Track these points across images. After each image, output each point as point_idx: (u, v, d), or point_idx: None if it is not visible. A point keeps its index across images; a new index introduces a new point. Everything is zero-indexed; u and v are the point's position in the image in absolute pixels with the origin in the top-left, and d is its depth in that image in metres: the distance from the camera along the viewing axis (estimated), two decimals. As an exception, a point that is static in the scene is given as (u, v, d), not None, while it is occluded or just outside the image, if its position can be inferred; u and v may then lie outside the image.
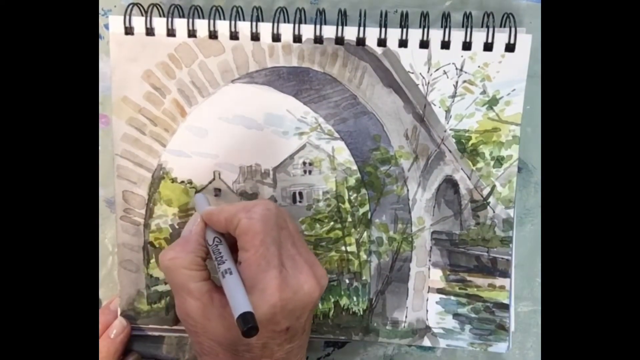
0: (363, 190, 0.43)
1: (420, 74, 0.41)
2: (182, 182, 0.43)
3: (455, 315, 0.44)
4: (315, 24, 0.41)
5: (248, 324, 0.30)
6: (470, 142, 0.42)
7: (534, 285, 0.45)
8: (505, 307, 0.43)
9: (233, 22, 0.41)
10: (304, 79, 0.42)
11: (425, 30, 0.41)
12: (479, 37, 0.41)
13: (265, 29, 0.41)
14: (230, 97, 0.42)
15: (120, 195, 0.43)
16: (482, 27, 0.41)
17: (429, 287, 0.44)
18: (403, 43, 0.41)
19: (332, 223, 0.43)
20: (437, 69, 0.41)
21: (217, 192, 0.43)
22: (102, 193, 0.44)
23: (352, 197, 0.43)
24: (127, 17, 0.41)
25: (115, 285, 0.44)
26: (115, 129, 0.42)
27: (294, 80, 0.42)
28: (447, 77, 0.41)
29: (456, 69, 0.41)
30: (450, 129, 0.42)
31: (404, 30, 0.41)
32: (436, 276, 0.44)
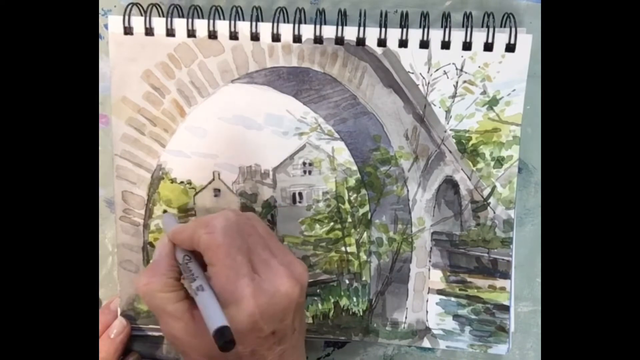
0: (363, 191, 0.43)
1: (421, 74, 0.41)
2: (182, 182, 0.43)
3: (455, 317, 0.44)
4: (315, 24, 0.41)
5: (224, 338, 0.30)
6: (471, 143, 0.42)
7: (534, 285, 0.45)
8: (505, 308, 0.43)
9: (233, 22, 0.41)
10: (303, 79, 0.42)
11: (426, 30, 0.41)
12: (479, 37, 0.41)
13: (265, 29, 0.41)
14: (230, 97, 0.42)
15: (119, 196, 0.43)
16: (482, 27, 0.41)
17: (429, 288, 0.44)
18: (403, 43, 0.41)
19: (332, 223, 0.43)
20: (437, 69, 0.41)
21: (217, 192, 0.43)
22: (102, 193, 0.44)
23: (352, 198, 0.43)
24: (127, 17, 0.41)
25: (115, 285, 0.44)
26: (114, 129, 0.42)
27: (293, 81, 0.42)
28: (447, 78, 0.41)
29: (456, 69, 0.41)
30: (451, 130, 0.42)
31: (404, 30, 0.41)
32: (436, 277, 0.44)
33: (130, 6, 0.41)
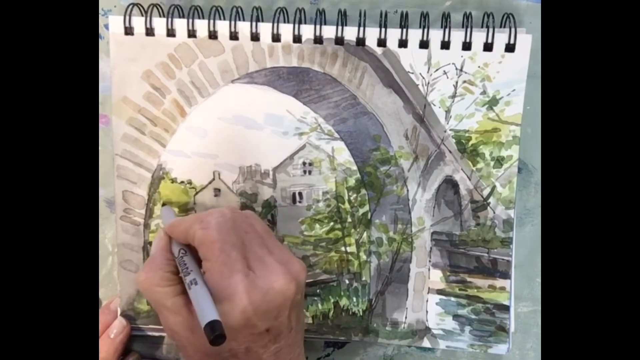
0: (363, 191, 0.43)
1: (420, 74, 0.41)
2: (182, 182, 0.43)
3: (455, 317, 0.44)
4: (315, 24, 0.41)
5: (215, 332, 0.30)
6: (470, 143, 0.42)
7: (534, 285, 0.45)
8: (505, 308, 0.43)
9: (233, 22, 0.41)
10: (303, 79, 0.42)
11: (425, 30, 0.41)
12: (479, 37, 0.41)
13: (265, 29, 0.41)
14: (230, 97, 0.42)
15: (120, 195, 0.43)
16: (482, 27, 0.41)
17: (428, 288, 0.44)
18: (403, 43, 0.41)
19: (332, 223, 0.43)
20: (437, 69, 0.41)
21: (217, 192, 0.43)
22: (102, 193, 0.44)
23: (352, 198, 0.43)
24: (127, 17, 0.41)
25: (115, 285, 0.44)
26: (115, 129, 0.42)
27: (293, 81, 0.42)
28: (447, 78, 0.41)
29: (456, 69, 0.41)
30: (450, 129, 0.42)
31: (404, 30, 0.41)
32: (436, 277, 0.44)
33: (130, 6, 0.41)
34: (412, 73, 0.41)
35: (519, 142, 0.42)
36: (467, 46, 0.41)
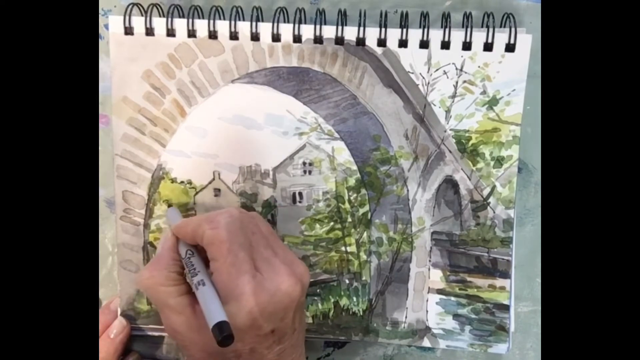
0: (363, 191, 0.43)
1: (420, 74, 0.41)
2: (182, 182, 0.43)
3: (455, 316, 0.44)
4: (315, 24, 0.41)
5: (223, 333, 0.30)
6: (471, 143, 0.42)
7: (534, 285, 0.45)
8: (505, 308, 0.43)
9: (233, 22, 0.41)
10: (304, 79, 0.42)
11: (425, 30, 0.41)
12: (479, 37, 0.41)
13: (265, 29, 0.41)
14: (230, 97, 0.42)
15: (120, 195, 0.43)
16: (482, 27, 0.41)
17: (429, 287, 0.44)
18: (403, 43, 0.41)
19: (332, 223, 0.43)
20: (437, 69, 0.41)
21: (217, 192, 0.43)
22: (102, 193, 0.44)
23: (352, 198, 0.43)
24: (127, 17, 0.41)
25: (115, 285, 0.44)
26: (115, 129, 0.42)
27: (293, 81, 0.42)
28: (447, 77, 0.41)
29: (456, 69, 0.41)
30: (450, 129, 0.42)
31: (404, 30, 0.41)
32: (436, 277, 0.44)
33: (130, 6, 0.41)
34: (412, 73, 0.41)
35: (519, 142, 0.42)
36: (467, 46, 0.41)
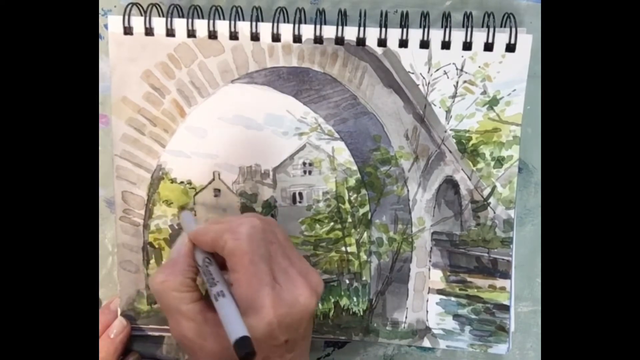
0: (363, 191, 0.43)
1: (421, 74, 0.41)
2: (182, 182, 0.43)
3: (456, 316, 0.44)
4: (315, 24, 0.41)
5: (245, 349, 0.29)
6: (471, 143, 0.42)
7: (534, 285, 0.45)
8: (505, 308, 0.43)
9: (233, 22, 0.41)
10: (304, 79, 0.42)
11: (426, 30, 0.41)
12: (479, 37, 0.41)
13: (265, 29, 0.41)
14: (230, 97, 0.42)
15: (119, 196, 0.43)
16: (482, 27, 0.41)
17: (429, 287, 0.44)
18: (403, 43, 0.41)
19: (332, 223, 0.43)
20: (438, 69, 0.41)
21: (217, 192, 0.43)
22: (102, 193, 0.44)
23: (352, 198, 0.43)
24: (127, 17, 0.41)
25: (115, 285, 0.44)
26: (114, 129, 0.42)
27: (293, 81, 0.42)
28: (448, 78, 0.41)
29: (456, 69, 0.41)
30: (451, 129, 0.42)
31: (404, 30, 0.41)
32: (436, 277, 0.44)
33: (130, 6, 0.41)
34: (413, 73, 0.41)
35: (519, 142, 0.42)
36: (467, 46, 0.41)
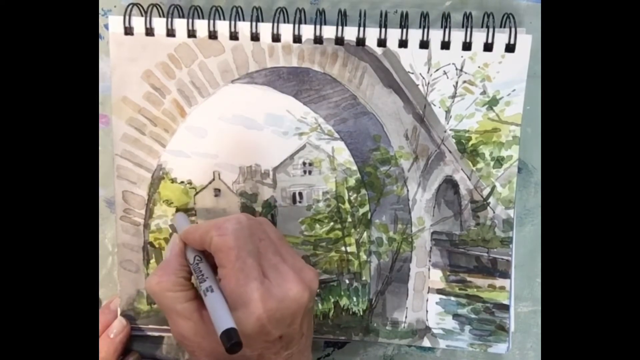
0: (363, 191, 0.43)
1: (420, 74, 0.41)
2: (182, 182, 0.43)
3: (455, 316, 0.44)
4: (315, 24, 0.41)
5: (231, 340, 0.30)
6: (470, 143, 0.42)
7: (534, 285, 0.45)
8: (505, 307, 0.43)
9: (233, 22, 0.41)
10: (304, 79, 0.42)
11: (425, 30, 0.41)
12: (479, 38, 0.41)
13: (265, 29, 0.41)
14: (230, 97, 0.42)
15: (120, 196, 0.43)
16: (482, 27, 0.41)
17: (428, 287, 0.44)
18: (403, 43, 0.41)
19: (332, 223, 0.43)
20: (437, 70, 0.41)
21: (217, 192, 0.43)
22: (102, 193, 0.44)
23: (352, 198, 0.43)
24: (127, 17, 0.41)
25: (115, 285, 0.44)
26: (115, 129, 0.42)
27: (294, 81, 0.42)
28: (447, 78, 0.41)
29: (456, 69, 0.41)
30: (450, 130, 0.42)
31: (404, 30, 0.41)
32: (436, 277, 0.44)
33: (130, 6, 0.41)
34: (412, 73, 0.41)
35: (519, 142, 0.42)
36: (467, 46, 0.41)
